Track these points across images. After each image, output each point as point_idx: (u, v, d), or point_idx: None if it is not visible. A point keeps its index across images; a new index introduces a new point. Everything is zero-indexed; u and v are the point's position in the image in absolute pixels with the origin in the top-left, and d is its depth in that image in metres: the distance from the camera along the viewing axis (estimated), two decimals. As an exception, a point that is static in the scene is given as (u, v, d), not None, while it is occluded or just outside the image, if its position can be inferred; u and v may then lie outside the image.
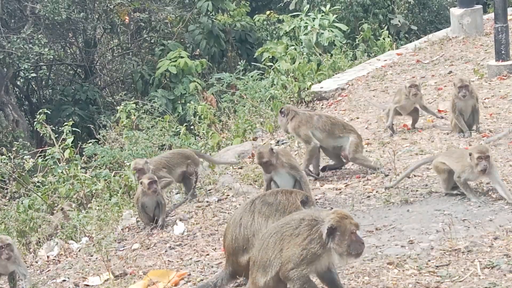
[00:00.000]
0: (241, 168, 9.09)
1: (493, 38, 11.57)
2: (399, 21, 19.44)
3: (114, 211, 8.52)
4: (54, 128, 11.05)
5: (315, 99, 12.80)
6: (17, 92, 21.42)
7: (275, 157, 7.05)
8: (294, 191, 5.68)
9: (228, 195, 8.21)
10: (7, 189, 10.45)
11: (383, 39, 16.44)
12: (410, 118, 9.58)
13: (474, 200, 6.63)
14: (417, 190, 7.10)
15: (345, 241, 4.65)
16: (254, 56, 18.38)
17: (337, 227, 4.66)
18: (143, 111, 12.87)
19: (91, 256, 7.24)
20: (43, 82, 21.77)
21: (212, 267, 6.15)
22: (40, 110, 10.92)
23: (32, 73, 18.29)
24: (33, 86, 21.86)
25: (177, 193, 8.97)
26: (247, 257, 5.33)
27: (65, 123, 10.72)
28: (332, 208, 7.09)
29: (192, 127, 12.03)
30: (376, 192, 7.32)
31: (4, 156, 10.14)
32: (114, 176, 9.86)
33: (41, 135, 12.11)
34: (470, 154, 6.64)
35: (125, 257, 6.79)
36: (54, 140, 10.72)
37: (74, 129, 10.87)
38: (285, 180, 7.12)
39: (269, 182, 7.24)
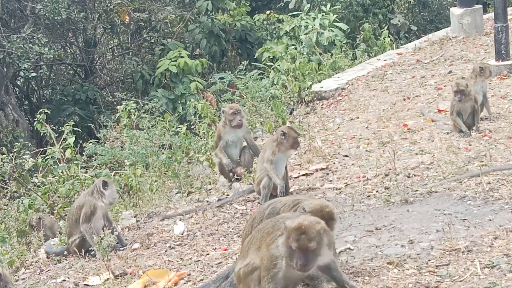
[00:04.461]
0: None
1: (493, 38, 11.58)
2: (399, 20, 19.44)
3: (113, 211, 8.51)
4: (54, 128, 11.02)
5: (315, 98, 12.82)
6: (17, 92, 21.39)
7: None
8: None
9: (228, 195, 8.22)
10: (7, 189, 10.43)
11: (383, 38, 16.45)
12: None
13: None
14: (417, 190, 7.09)
15: (287, 247, 4.45)
16: (255, 56, 18.38)
17: (288, 229, 4.42)
18: (144, 110, 12.86)
19: (91, 256, 7.24)
20: (43, 82, 21.76)
21: (212, 266, 6.15)
22: (40, 110, 10.88)
23: (32, 72, 18.28)
24: (33, 86, 21.84)
25: (177, 193, 8.97)
26: None
27: (66, 123, 10.70)
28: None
29: (192, 126, 12.03)
30: (376, 192, 7.31)
31: (4, 156, 10.12)
32: (114, 175, 9.86)
33: (41, 134, 12.09)
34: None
35: (125, 257, 6.79)
36: (55, 140, 10.71)
37: (75, 128, 10.86)
38: None
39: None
